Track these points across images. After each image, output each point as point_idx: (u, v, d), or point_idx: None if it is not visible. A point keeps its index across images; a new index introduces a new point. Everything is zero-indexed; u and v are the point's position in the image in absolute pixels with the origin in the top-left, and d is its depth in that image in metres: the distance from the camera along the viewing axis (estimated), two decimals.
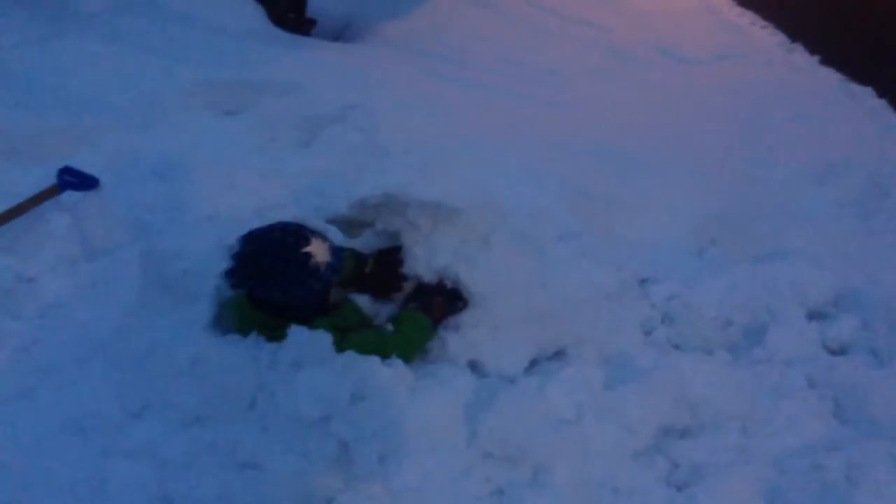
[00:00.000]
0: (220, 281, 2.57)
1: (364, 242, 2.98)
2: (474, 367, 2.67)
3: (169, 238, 2.85)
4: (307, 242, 2.34)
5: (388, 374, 2.27)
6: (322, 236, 2.43)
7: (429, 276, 2.72)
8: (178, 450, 2.16)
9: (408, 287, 2.80)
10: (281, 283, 2.33)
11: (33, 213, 2.88)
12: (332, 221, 3.11)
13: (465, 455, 2.27)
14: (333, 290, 2.51)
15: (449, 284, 2.70)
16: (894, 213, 4.33)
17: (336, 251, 2.45)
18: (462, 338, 2.69)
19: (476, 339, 2.69)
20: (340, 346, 2.35)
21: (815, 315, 3.27)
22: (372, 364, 2.27)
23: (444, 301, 2.68)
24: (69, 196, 2.99)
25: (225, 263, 2.56)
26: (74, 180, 3.02)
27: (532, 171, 3.80)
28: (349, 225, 3.10)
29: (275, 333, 2.36)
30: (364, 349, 2.37)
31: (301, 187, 3.37)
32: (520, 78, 5.67)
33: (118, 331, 2.48)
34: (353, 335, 2.45)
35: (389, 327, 2.55)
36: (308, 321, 2.39)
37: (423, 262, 2.71)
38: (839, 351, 3.18)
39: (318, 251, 2.35)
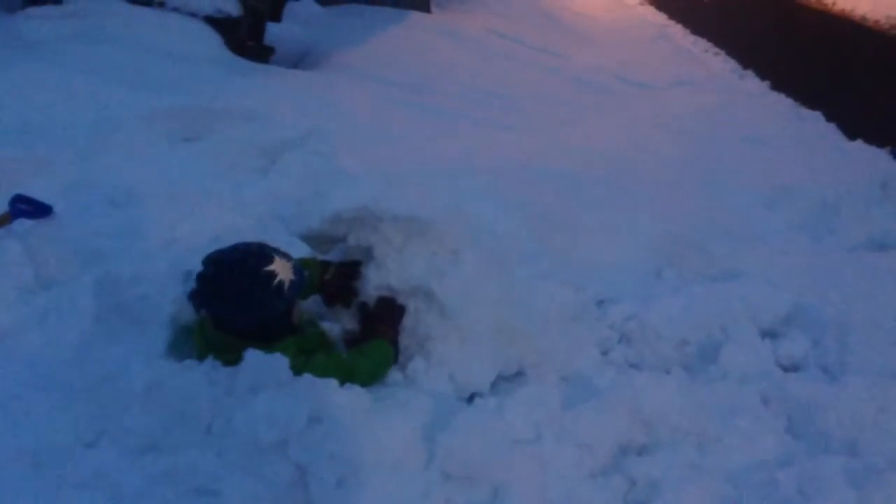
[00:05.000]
0: (177, 307, 2.55)
1: (334, 257, 3.00)
2: (441, 380, 2.68)
3: (124, 265, 2.81)
4: (269, 262, 2.34)
5: (345, 397, 2.26)
6: (285, 255, 2.43)
7: (399, 287, 2.75)
8: (133, 478, 2.11)
9: (354, 310, 2.84)
10: (244, 304, 2.33)
11: None
12: (305, 238, 3.12)
13: (424, 476, 2.26)
14: (296, 307, 2.50)
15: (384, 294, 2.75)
16: (844, 234, 4.45)
17: (298, 269, 2.45)
18: (431, 350, 2.71)
19: (444, 351, 2.71)
20: (304, 369, 2.32)
21: (768, 333, 3.33)
22: (329, 387, 2.26)
23: (387, 319, 2.71)
24: (21, 224, 2.95)
25: (182, 289, 2.55)
26: (27, 208, 2.98)
27: (492, 195, 3.84)
28: (320, 240, 3.10)
29: (236, 357, 2.34)
30: (330, 374, 2.34)
31: (260, 213, 3.37)
32: (479, 103, 5.75)
33: (72, 358, 2.43)
34: (319, 359, 2.42)
35: (354, 352, 2.55)
36: (272, 342, 2.36)
37: (395, 274, 2.73)
38: (792, 368, 3.24)
39: (281, 270, 2.35)
